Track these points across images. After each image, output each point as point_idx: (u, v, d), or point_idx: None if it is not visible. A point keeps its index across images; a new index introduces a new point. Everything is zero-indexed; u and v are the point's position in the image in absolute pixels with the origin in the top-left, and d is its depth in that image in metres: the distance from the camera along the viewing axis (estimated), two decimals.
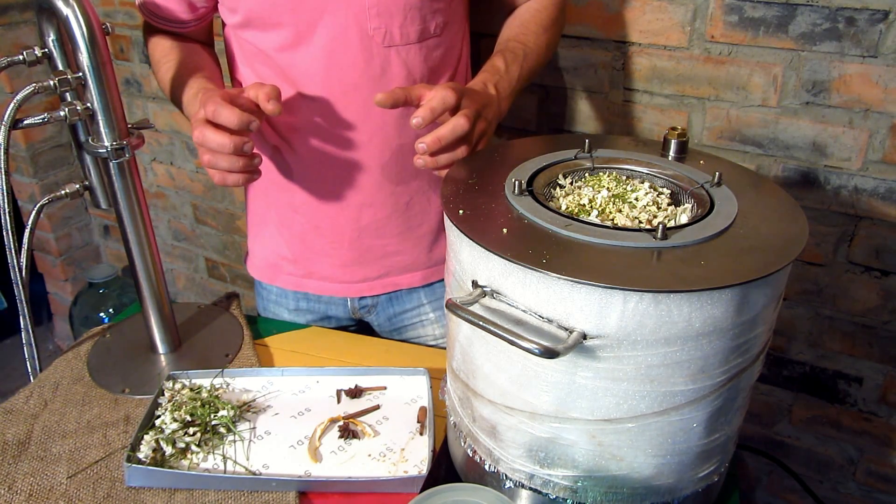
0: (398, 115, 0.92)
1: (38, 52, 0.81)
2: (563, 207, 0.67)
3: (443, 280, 0.77)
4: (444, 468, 0.77)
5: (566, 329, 0.55)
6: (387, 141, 0.94)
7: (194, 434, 0.81)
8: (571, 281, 0.53)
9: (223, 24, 0.97)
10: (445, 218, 0.64)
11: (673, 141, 0.76)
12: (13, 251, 0.87)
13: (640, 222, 0.65)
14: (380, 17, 0.86)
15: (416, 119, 0.75)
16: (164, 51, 0.99)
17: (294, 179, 0.99)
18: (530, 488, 0.65)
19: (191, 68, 0.95)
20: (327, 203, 0.99)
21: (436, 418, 0.85)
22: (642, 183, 0.73)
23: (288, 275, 1.10)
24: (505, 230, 0.59)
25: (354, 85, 0.90)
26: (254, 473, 0.78)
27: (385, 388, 0.92)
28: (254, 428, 0.85)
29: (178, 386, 0.89)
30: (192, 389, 0.88)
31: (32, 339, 0.93)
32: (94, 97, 0.80)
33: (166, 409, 0.83)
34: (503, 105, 0.87)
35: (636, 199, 0.69)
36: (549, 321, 0.56)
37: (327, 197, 0.99)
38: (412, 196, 1.00)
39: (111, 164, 0.85)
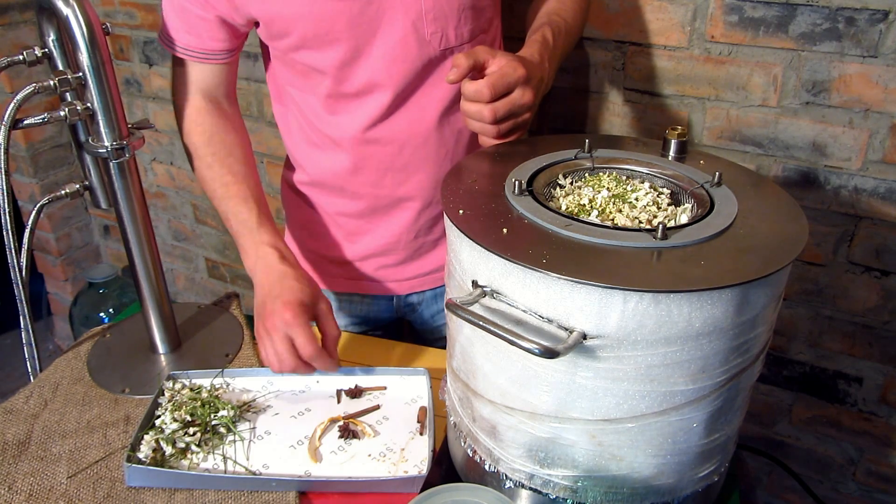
0: (452, 113, 0.93)
1: (38, 52, 0.81)
2: (563, 207, 0.67)
3: None
4: (444, 468, 0.77)
5: (566, 329, 0.55)
6: (442, 140, 0.94)
7: (194, 434, 0.81)
8: (571, 281, 0.52)
9: (263, 46, 0.95)
10: (445, 218, 0.64)
11: (673, 141, 0.75)
12: (13, 251, 0.87)
13: (640, 222, 0.65)
14: (436, 21, 0.86)
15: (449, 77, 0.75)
16: (205, 142, 0.96)
17: (351, 187, 0.99)
18: (530, 488, 0.65)
19: (242, 186, 0.94)
20: (386, 209, 1.00)
21: (436, 418, 0.85)
22: (642, 183, 0.73)
23: (333, 277, 1.09)
24: (505, 230, 0.59)
25: (412, 90, 0.90)
26: (254, 473, 0.78)
27: (385, 388, 0.92)
28: (254, 428, 0.85)
29: (178, 386, 0.89)
30: (192, 389, 0.88)
31: (32, 339, 0.92)
32: (94, 97, 0.80)
33: (166, 409, 0.83)
34: (550, 76, 0.85)
35: (636, 199, 0.69)
36: (549, 321, 0.56)
37: (386, 203, 0.99)
38: None
39: (111, 164, 0.85)
